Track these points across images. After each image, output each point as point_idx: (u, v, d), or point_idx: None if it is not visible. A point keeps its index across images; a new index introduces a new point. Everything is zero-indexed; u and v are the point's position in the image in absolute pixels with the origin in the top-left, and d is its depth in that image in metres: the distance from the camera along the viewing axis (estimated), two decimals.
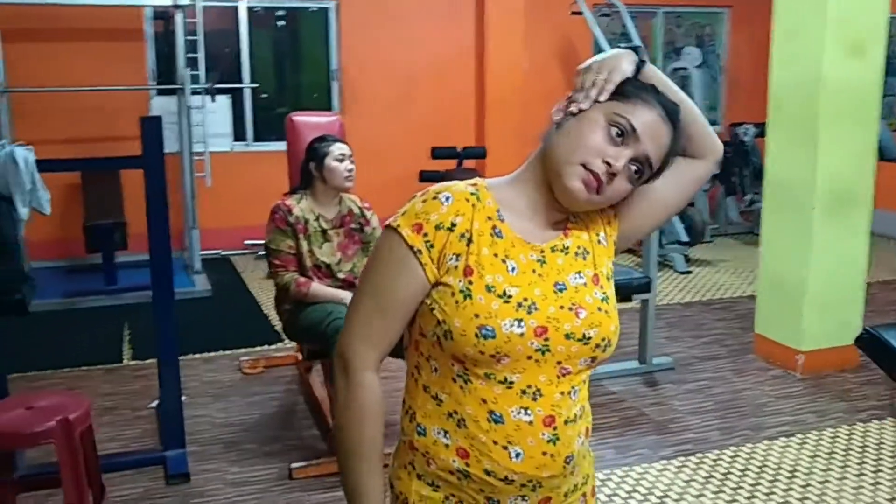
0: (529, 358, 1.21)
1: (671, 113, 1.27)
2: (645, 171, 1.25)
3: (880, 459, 3.38)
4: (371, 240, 3.56)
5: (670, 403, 3.96)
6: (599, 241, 1.34)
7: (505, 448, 1.22)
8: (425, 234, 1.23)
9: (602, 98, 1.24)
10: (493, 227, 1.25)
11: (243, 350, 4.67)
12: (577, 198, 1.23)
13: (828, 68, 3.96)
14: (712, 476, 3.24)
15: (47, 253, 6.53)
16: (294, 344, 4.48)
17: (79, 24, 6.47)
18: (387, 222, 1.27)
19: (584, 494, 1.37)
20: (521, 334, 1.20)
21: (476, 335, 1.19)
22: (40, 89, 6.24)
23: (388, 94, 7.18)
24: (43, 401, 2.69)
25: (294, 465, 3.26)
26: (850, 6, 3.96)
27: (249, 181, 6.86)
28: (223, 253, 6.97)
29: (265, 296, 5.74)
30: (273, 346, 4.74)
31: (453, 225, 1.24)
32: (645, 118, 1.23)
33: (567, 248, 1.29)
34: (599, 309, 1.27)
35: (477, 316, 1.19)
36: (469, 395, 1.23)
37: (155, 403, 3.84)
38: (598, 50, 7.48)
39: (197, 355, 4.59)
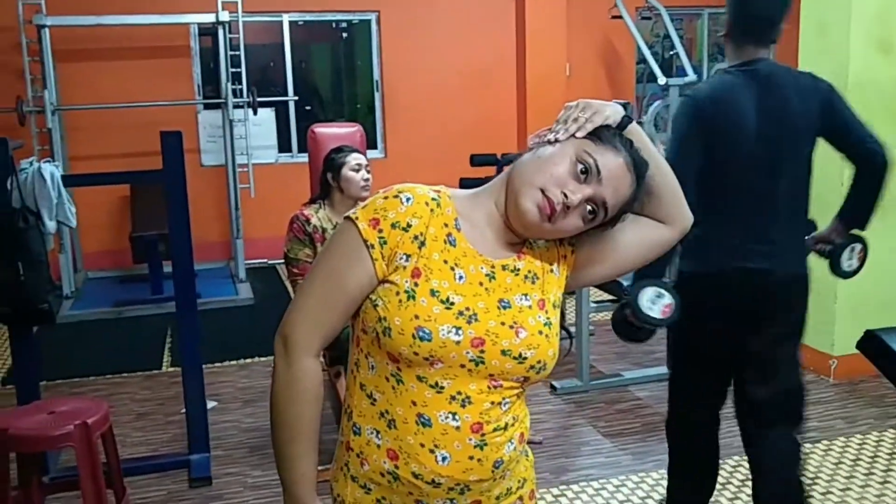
0: (463, 366, 1.24)
1: (638, 166, 1.30)
2: (599, 214, 1.29)
3: None
4: None
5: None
6: (552, 271, 1.36)
7: (432, 451, 1.25)
8: (380, 231, 1.26)
9: (579, 134, 1.28)
10: (448, 235, 1.28)
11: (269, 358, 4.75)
12: (528, 220, 1.25)
13: (855, 65, 3.88)
14: (730, 482, 3.20)
15: (100, 263, 6.78)
16: None
17: (128, 43, 6.71)
18: (346, 213, 1.31)
19: (520, 498, 1.39)
20: (458, 342, 1.22)
21: (413, 335, 1.22)
22: (91, 106, 6.48)
23: (428, 102, 7.25)
24: (64, 406, 2.81)
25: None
26: (878, 2, 3.87)
27: (293, 191, 6.95)
28: (269, 262, 7.12)
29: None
30: None
31: (409, 225, 1.26)
32: (611, 164, 1.27)
33: (518, 269, 1.32)
34: (540, 332, 1.28)
35: (417, 317, 1.22)
36: (400, 396, 1.26)
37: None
38: (640, 53, 7.43)
39: (233, 362, 4.71)
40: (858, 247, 2.78)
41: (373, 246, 1.25)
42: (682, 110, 2.51)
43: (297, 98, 7.10)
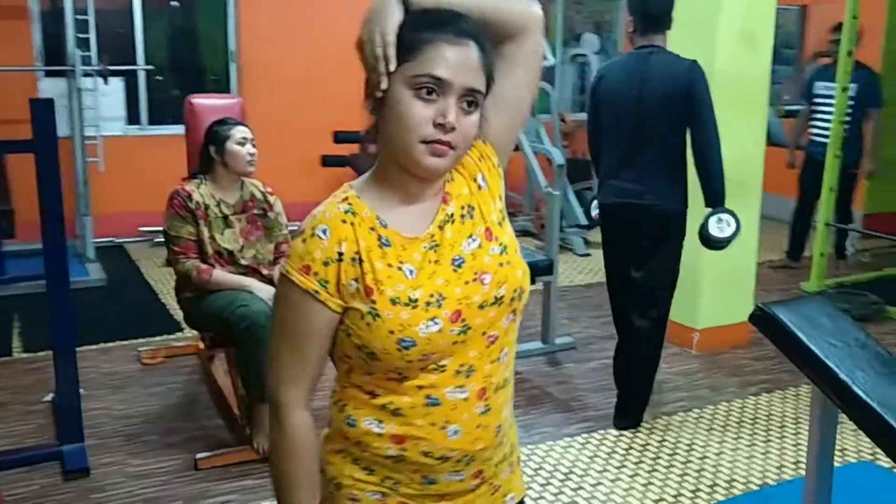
0: (455, 343, 1.22)
1: (463, 30, 1.20)
2: (477, 97, 1.20)
3: (770, 430, 3.55)
4: (274, 225, 3.50)
5: (573, 382, 4.05)
6: (480, 187, 1.32)
7: (443, 428, 1.24)
8: (316, 274, 1.22)
9: (391, 67, 1.19)
10: (379, 238, 1.24)
11: (142, 340, 4.53)
12: (438, 169, 1.21)
13: (721, 58, 4.10)
14: (615, 452, 3.34)
15: None
16: (194, 333, 4.38)
17: None
18: (278, 269, 1.27)
19: (510, 465, 1.40)
20: (440, 330, 1.20)
21: (398, 349, 1.19)
22: None
23: (290, 76, 7.05)
24: None
25: (199, 455, 3.20)
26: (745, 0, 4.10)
27: (144, 166, 6.65)
28: (117, 240, 6.74)
29: (163, 284, 5.59)
30: (173, 336, 4.62)
31: (340, 255, 1.22)
32: (441, 59, 1.17)
33: (451, 215, 1.28)
34: (500, 264, 1.27)
35: (392, 332, 1.19)
36: (404, 385, 1.23)
37: (49, 397, 3.70)
38: None
39: (93, 346, 4.43)
40: (725, 216, 3.29)
41: (317, 292, 1.22)
42: (591, 84, 3.50)
43: (152, 67, 6.72)
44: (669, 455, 3.31)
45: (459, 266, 1.25)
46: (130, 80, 6.75)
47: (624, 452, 3.33)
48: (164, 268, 5.92)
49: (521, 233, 6.93)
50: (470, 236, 1.28)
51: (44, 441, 3.35)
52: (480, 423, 1.26)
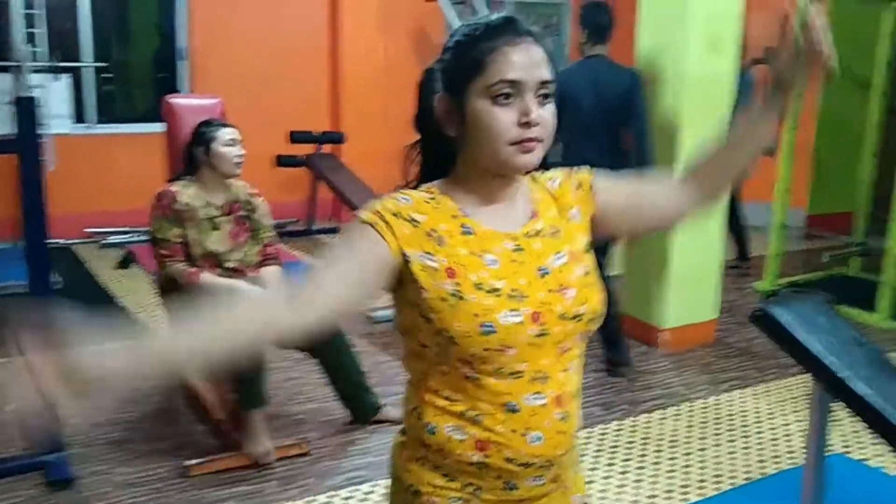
0: (531, 345, 1.24)
1: (519, 30, 1.24)
2: (549, 88, 1.25)
3: (746, 425, 3.66)
4: (260, 227, 3.46)
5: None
6: (571, 218, 1.36)
7: (524, 435, 1.25)
8: (382, 216, 1.25)
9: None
10: (462, 225, 1.27)
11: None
12: (531, 164, 1.25)
13: (690, 61, 4.21)
14: (601, 449, 3.40)
15: None
16: None
17: None
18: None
19: (576, 465, 1.43)
20: (520, 322, 1.22)
21: (479, 333, 1.20)
22: None
23: (244, 75, 6.95)
24: None
25: (188, 462, 3.14)
26: (710, 5, 4.22)
27: (92, 165, 6.49)
28: (62, 242, 6.54)
29: (119, 286, 5.46)
30: None
31: (414, 220, 1.25)
32: (508, 62, 1.22)
33: (540, 230, 1.32)
34: (585, 285, 1.31)
35: (476, 315, 1.21)
36: (482, 390, 1.24)
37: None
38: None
39: None
40: None
41: (375, 223, 1.24)
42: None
43: (105, 64, 6.54)
44: (656, 452, 3.39)
45: (545, 275, 1.28)
46: (76, 77, 6.57)
47: (612, 450, 3.40)
48: (118, 270, 5.77)
49: None
50: (557, 252, 1.31)
51: (20, 452, 3.24)
52: (560, 430, 1.28)
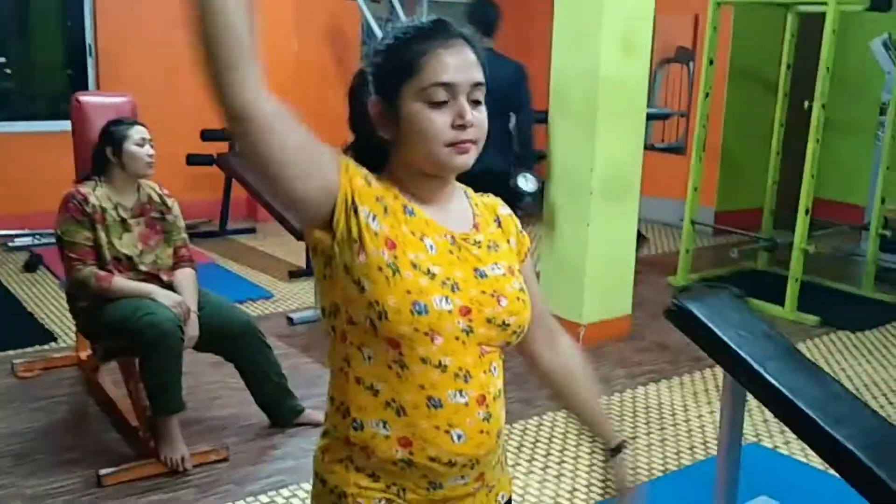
0: (457, 339, 1.24)
1: (452, 33, 1.26)
2: (482, 88, 1.26)
3: (662, 418, 3.75)
4: (173, 229, 3.37)
5: None
6: (508, 242, 1.40)
7: (447, 432, 1.25)
8: (346, 162, 1.25)
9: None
10: (404, 206, 1.27)
11: (13, 352, 4.24)
12: (466, 165, 1.26)
13: (606, 65, 4.28)
14: (522, 445, 3.43)
15: None
16: (73, 343, 4.15)
17: None
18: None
19: (501, 464, 1.44)
20: (450, 311, 1.23)
21: (411, 311, 1.20)
22: None
23: (152, 72, 6.76)
24: None
25: (103, 471, 3.04)
26: (624, 9, 4.30)
27: None
28: None
29: (22, 290, 5.25)
30: (47, 347, 4.35)
31: (368, 181, 1.26)
32: (442, 65, 1.23)
33: (479, 241, 1.33)
34: (518, 298, 1.32)
35: (409, 292, 1.20)
36: (406, 381, 1.24)
37: None
38: (369, 32, 7.54)
39: None
40: (530, 175, 4.51)
41: (340, 160, 1.24)
42: None
43: (3, 59, 6.27)
44: (576, 446, 3.44)
45: (481, 277, 1.29)
46: None
47: (532, 445, 3.44)
48: (24, 273, 5.56)
49: None
50: (495, 263, 1.33)
51: None
52: (483, 429, 1.28)
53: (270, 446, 3.39)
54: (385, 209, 1.25)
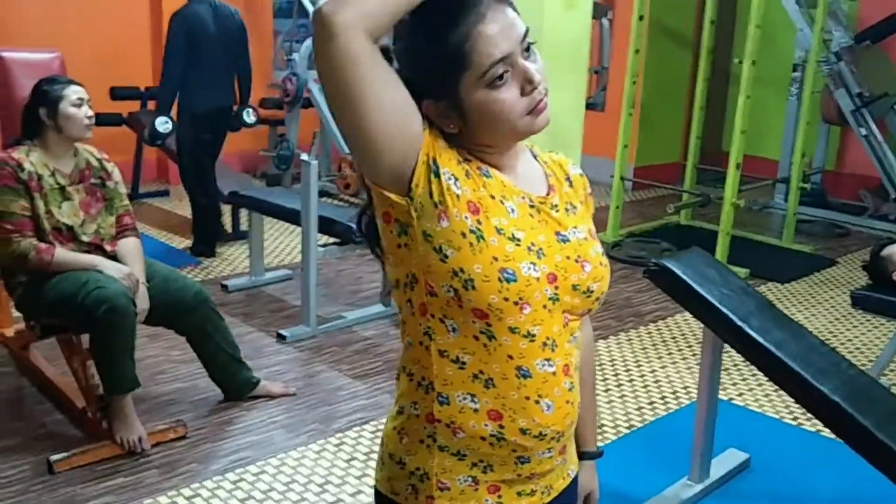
0: (545, 307, 1.18)
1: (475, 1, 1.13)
2: (528, 35, 1.16)
3: (618, 374, 3.79)
4: (115, 195, 3.16)
5: None
6: (582, 203, 1.33)
7: (537, 402, 1.20)
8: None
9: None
10: (479, 168, 1.18)
11: None
12: (546, 122, 1.17)
13: (548, 21, 4.22)
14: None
15: None
16: None
17: None
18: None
19: (572, 439, 1.39)
20: (538, 278, 1.16)
21: (499, 279, 1.13)
22: None
23: (55, 27, 6.31)
24: None
25: (53, 456, 2.85)
26: None
27: None
28: None
29: None
30: None
31: (448, 143, 1.17)
32: (488, 40, 1.11)
33: (556, 205, 1.26)
34: (601, 264, 1.26)
35: (496, 259, 1.13)
36: (494, 352, 1.17)
37: None
38: None
39: None
40: (250, 110, 5.32)
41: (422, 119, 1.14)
42: (175, 21, 4.81)
43: None
44: None
45: (564, 241, 1.22)
46: None
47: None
48: None
49: (322, 193, 6.76)
50: (575, 227, 1.26)
51: None
52: (569, 399, 1.24)
53: (228, 421, 3.25)
54: (466, 172, 1.16)
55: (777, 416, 3.41)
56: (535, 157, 1.31)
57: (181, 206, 6.30)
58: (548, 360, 1.20)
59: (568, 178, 1.32)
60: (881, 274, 3.39)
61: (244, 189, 5.05)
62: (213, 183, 5.27)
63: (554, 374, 1.21)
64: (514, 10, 1.16)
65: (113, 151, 6.63)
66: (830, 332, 4.31)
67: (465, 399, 1.19)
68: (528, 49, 1.15)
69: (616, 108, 5.99)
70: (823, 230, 6.11)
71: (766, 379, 3.64)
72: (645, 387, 3.67)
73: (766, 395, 3.58)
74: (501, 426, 1.19)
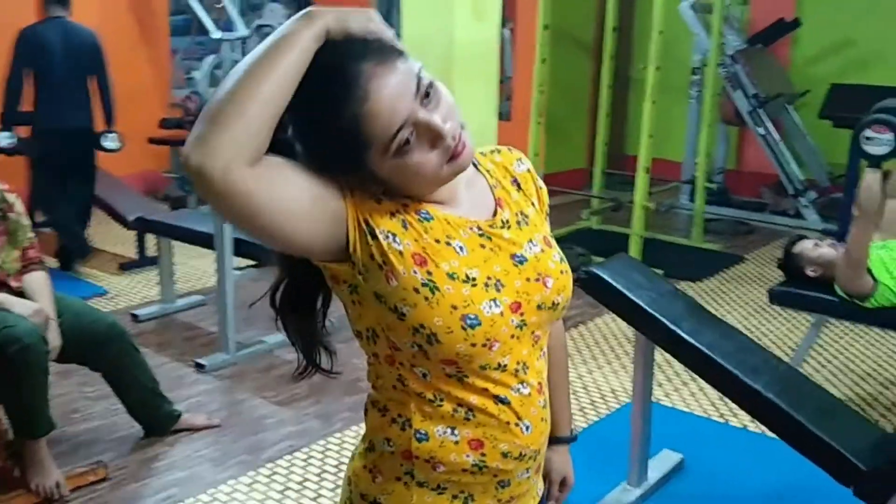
0: (512, 337, 1.15)
1: (381, 55, 1.05)
2: (423, 74, 1.08)
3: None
4: (17, 228, 2.98)
5: (351, 363, 3.94)
6: (533, 204, 1.28)
7: (517, 425, 1.17)
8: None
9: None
10: (417, 210, 1.13)
11: None
12: (469, 159, 1.11)
13: (459, 31, 4.21)
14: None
15: None
16: None
17: None
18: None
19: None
20: (501, 313, 1.12)
21: (462, 328, 1.09)
22: None
23: None
24: None
25: None
26: None
27: None
28: None
29: None
30: None
31: (377, 199, 1.11)
32: (387, 110, 1.04)
33: (506, 220, 1.20)
34: (562, 272, 1.23)
35: (455, 308, 1.08)
36: (470, 387, 1.14)
37: None
38: (175, 4, 7.04)
39: None
40: (114, 134, 5.28)
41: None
42: (18, 38, 4.93)
43: None
44: None
45: (521, 263, 1.18)
46: None
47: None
48: None
49: None
50: (530, 241, 1.21)
51: None
52: (543, 417, 1.22)
53: (151, 458, 3.10)
54: (403, 223, 1.11)
55: (705, 415, 3.47)
56: (476, 166, 1.24)
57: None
58: (522, 382, 1.17)
59: (515, 181, 1.27)
60: (795, 270, 3.49)
61: (150, 214, 4.87)
62: (72, 203, 5.26)
63: (529, 395, 1.18)
64: (398, 52, 1.07)
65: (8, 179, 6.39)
66: (746, 328, 4.41)
67: (444, 433, 1.14)
68: (427, 94, 1.07)
69: (521, 117, 6.04)
70: (729, 228, 6.29)
71: (691, 378, 3.74)
72: (574, 392, 3.67)
73: (692, 395, 3.63)
74: (483, 454, 1.16)
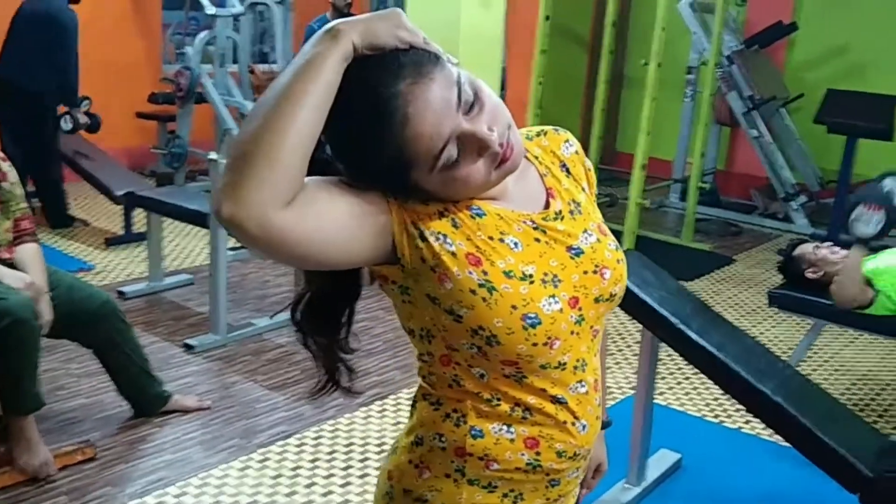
0: (573, 333, 1.12)
1: (416, 72, 1.00)
2: (465, 88, 1.02)
3: None
4: (11, 198, 2.89)
5: None
6: (584, 190, 1.23)
7: (573, 424, 1.14)
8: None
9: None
10: (469, 206, 1.09)
11: None
12: (518, 161, 1.08)
13: (466, 18, 4.18)
14: (400, 414, 3.31)
15: None
16: None
17: None
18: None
19: None
20: (561, 310, 1.09)
21: (523, 327, 1.06)
22: None
23: None
24: None
25: None
26: None
27: None
28: None
29: None
30: None
31: (424, 200, 1.07)
32: (429, 132, 1.00)
33: (560, 211, 1.16)
34: (618, 261, 1.19)
35: (514, 307, 1.05)
36: (528, 388, 1.11)
37: None
38: None
39: None
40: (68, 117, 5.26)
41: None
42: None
43: None
44: None
45: (578, 255, 1.14)
46: None
47: (408, 414, 3.32)
48: None
49: None
50: (585, 230, 1.17)
51: None
52: (597, 415, 1.20)
53: (140, 439, 3.04)
54: (454, 222, 1.07)
55: (699, 415, 3.46)
56: (525, 155, 1.18)
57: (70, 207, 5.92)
58: (580, 381, 1.14)
59: (563, 165, 1.23)
60: (795, 273, 3.48)
61: (140, 189, 4.77)
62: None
63: (586, 393, 1.16)
64: (434, 59, 1.01)
65: None
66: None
67: (500, 430, 1.12)
68: (472, 106, 1.02)
69: (514, 108, 5.95)
70: (719, 228, 6.30)
71: (686, 378, 3.73)
72: None
73: (687, 395, 3.62)
74: (538, 453, 1.13)
